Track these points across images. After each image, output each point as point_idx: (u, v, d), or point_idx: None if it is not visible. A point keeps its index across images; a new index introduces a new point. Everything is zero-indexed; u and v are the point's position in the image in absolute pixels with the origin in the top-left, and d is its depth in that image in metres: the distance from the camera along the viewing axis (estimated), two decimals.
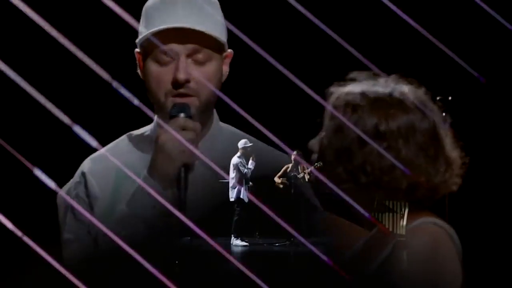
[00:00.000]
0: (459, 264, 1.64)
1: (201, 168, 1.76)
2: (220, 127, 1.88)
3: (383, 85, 1.68)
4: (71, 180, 1.85)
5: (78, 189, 1.82)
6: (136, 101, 1.70)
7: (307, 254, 1.68)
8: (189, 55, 1.73)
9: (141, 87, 1.79)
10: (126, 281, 1.62)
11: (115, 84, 1.77)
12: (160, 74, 1.74)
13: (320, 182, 1.69)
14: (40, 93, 1.77)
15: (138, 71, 1.81)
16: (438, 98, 1.73)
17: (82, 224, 1.78)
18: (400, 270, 1.60)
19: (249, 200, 2.00)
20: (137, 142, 1.86)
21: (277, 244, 1.90)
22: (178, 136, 1.65)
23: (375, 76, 1.70)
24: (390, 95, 1.66)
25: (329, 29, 1.95)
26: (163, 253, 1.64)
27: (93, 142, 1.82)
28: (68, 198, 1.82)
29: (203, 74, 1.75)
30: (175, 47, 1.72)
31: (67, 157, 2.49)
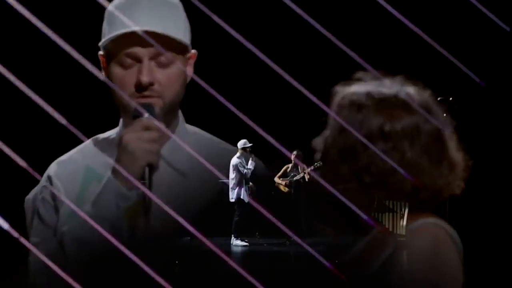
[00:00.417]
0: (460, 264, 1.64)
1: (166, 167, 1.76)
2: (185, 128, 1.88)
3: (389, 86, 1.68)
4: (38, 185, 1.86)
5: (44, 193, 1.83)
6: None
7: (307, 254, 1.67)
8: (152, 58, 1.73)
9: (107, 90, 1.79)
10: (94, 283, 1.63)
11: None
12: (124, 77, 1.74)
13: (320, 182, 1.69)
14: (37, 94, 1.76)
15: (102, 73, 1.81)
16: (439, 98, 1.73)
17: (48, 227, 1.79)
18: (402, 270, 1.60)
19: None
20: (103, 144, 1.87)
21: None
22: (142, 136, 1.65)
23: (381, 77, 1.70)
24: (395, 96, 1.66)
25: (327, 31, 1.95)
26: (129, 252, 1.64)
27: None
28: (34, 202, 1.84)
29: (167, 77, 1.75)
30: (138, 50, 1.72)
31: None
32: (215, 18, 1.92)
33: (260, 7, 11.76)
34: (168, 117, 1.79)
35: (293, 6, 1.91)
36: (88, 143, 1.90)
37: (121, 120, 1.86)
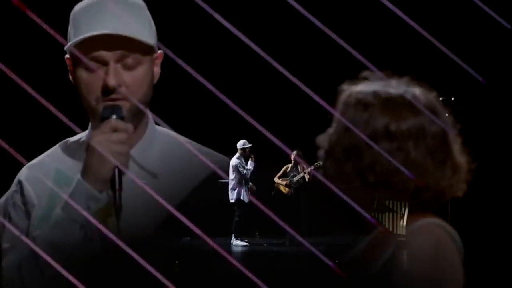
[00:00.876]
0: (460, 264, 1.64)
1: (136, 168, 1.75)
2: (155, 129, 1.88)
3: (395, 86, 1.68)
4: (9, 189, 1.86)
5: (15, 197, 1.83)
6: None
7: (307, 254, 1.67)
8: (118, 61, 1.73)
9: (74, 93, 1.79)
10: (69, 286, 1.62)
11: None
12: (90, 81, 1.74)
13: (321, 182, 1.68)
14: (39, 93, 1.76)
15: (70, 77, 1.81)
16: (440, 98, 1.73)
17: (19, 232, 1.78)
18: (403, 270, 1.60)
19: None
20: (73, 148, 1.87)
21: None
22: (110, 138, 1.64)
23: (387, 77, 1.70)
24: (402, 96, 1.66)
25: (328, 29, 1.94)
26: (100, 254, 1.64)
27: None
28: (6, 207, 1.83)
29: (133, 79, 1.75)
30: (103, 53, 1.72)
31: None
32: (217, 16, 1.92)
33: (262, 5, 11.75)
34: (136, 118, 1.78)
35: (294, 3, 1.90)
36: (58, 146, 1.91)
37: (90, 123, 1.86)
